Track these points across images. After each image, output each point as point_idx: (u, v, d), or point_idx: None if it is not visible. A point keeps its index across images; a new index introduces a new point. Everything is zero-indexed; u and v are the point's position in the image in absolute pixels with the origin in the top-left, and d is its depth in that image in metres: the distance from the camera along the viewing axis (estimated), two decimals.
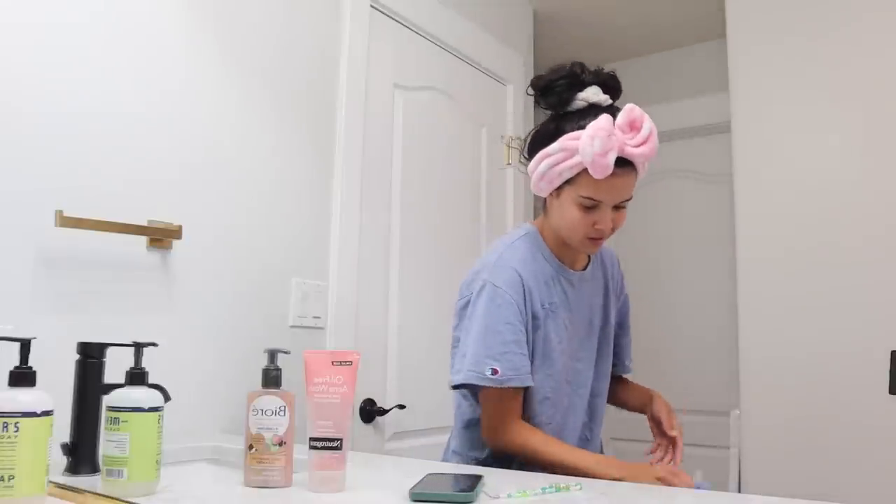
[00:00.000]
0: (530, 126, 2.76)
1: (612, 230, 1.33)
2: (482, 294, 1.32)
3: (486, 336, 1.29)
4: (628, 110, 1.27)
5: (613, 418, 3.16)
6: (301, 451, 1.02)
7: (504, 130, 2.57)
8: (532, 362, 1.32)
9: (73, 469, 1.06)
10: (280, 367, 1.06)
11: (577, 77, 1.32)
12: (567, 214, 1.31)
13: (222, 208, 1.61)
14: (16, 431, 0.82)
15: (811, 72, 2.12)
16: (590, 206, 1.29)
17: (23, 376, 0.88)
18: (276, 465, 1.00)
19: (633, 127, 1.27)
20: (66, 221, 1.28)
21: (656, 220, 3.17)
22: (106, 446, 0.93)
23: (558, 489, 1.02)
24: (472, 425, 1.40)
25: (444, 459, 1.48)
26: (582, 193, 1.28)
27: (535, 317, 1.33)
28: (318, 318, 1.81)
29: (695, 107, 3.01)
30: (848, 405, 1.94)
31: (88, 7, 1.39)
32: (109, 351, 1.11)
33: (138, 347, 1.01)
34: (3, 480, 0.81)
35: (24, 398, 0.85)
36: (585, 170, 1.24)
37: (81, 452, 1.07)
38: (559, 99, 1.32)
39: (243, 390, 1.06)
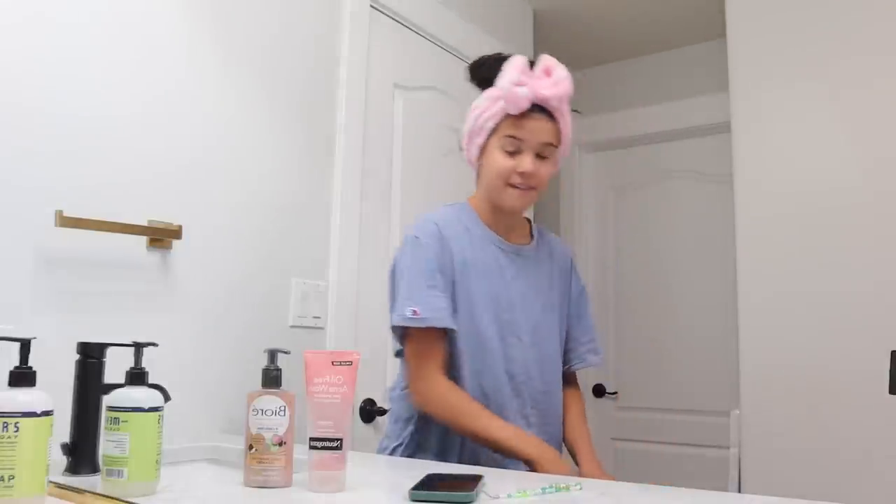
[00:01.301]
0: None
1: (537, 184, 1.39)
2: (403, 248, 1.42)
3: (408, 282, 1.36)
4: (543, 59, 1.39)
5: (611, 417, 3.18)
6: (301, 451, 1.02)
7: None
8: (455, 313, 1.36)
9: (73, 469, 1.06)
10: (280, 367, 1.06)
11: (503, 56, 1.42)
12: (492, 162, 1.39)
13: (222, 208, 1.61)
14: (16, 431, 0.82)
15: (811, 72, 2.12)
16: (512, 151, 1.37)
17: (23, 376, 0.88)
18: (276, 465, 1.00)
19: (547, 73, 1.37)
20: (66, 221, 1.28)
21: (656, 220, 3.17)
22: (106, 446, 0.93)
23: (558, 489, 1.02)
24: (402, 398, 1.43)
25: (379, 446, 1.49)
26: (504, 134, 1.37)
27: (455, 268, 1.38)
28: (318, 318, 1.81)
29: (695, 107, 3.01)
30: (848, 405, 1.94)
31: (88, 7, 1.39)
32: (109, 351, 1.11)
33: (138, 347, 1.01)
34: (3, 480, 0.81)
35: (24, 398, 0.85)
36: (506, 115, 1.36)
37: (81, 452, 1.07)
38: (488, 72, 1.41)
39: (243, 390, 1.06)
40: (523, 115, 1.36)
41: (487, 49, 2.50)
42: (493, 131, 1.39)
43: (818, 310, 2.03)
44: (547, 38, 2.93)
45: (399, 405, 1.45)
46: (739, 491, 2.06)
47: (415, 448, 1.40)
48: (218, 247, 1.59)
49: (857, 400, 1.93)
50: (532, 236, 1.52)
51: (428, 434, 1.39)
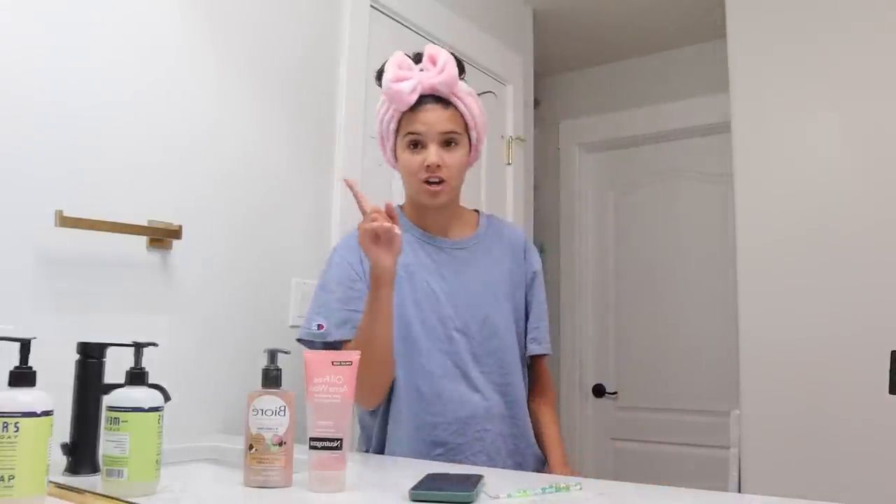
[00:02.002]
0: (530, 126, 2.78)
1: (449, 176, 1.38)
2: (327, 262, 1.45)
3: (318, 295, 1.40)
4: (426, 48, 1.41)
5: (611, 417, 3.18)
6: (301, 451, 1.02)
7: (504, 130, 2.57)
8: None
9: (73, 469, 1.06)
10: (280, 367, 1.06)
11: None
12: (402, 163, 1.41)
13: (222, 208, 1.61)
14: (16, 431, 0.82)
15: (811, 72, 2.12)
16: (415, 144, 1.38)
17: (23, 376, 0.88)
18: (276, 465, 1.00)
19: (433, 61, 1.39)
20: (66, 221, 1.28)
21: (656, 220, 3.17)
22: (106, 446, 0.93)
23: (558, 489, 1.02)
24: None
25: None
26: (404, 131, 1.39)
27: None
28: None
29: (695, 107, 3.01)
30: (848, 405, 1.94)
31: (89, 7, 1.39)
32: (109, 351, 1.11)
33: (138, 347, 1.01)
34: (3, 480, 0.81)
35: (24, 398, 0.85)
36: (403, 114, 1.38)
37: (81, 452, 1.07)
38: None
39: (243, 390, 1.06)
40: (417, 109, 1.37)
41: (487, 49, 2.51)
42: (397, 132, 1.41)
43: (818, 310, 2.03)
44: (547, 38, 2.93)
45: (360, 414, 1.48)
46: (739, 491, 2.06)
47: (384, 447, 1.40)
48: (218, 247, 1.59)
49: (857, 400, 1.93)
50: (478, 227, 1.51)
51: (391, 432, 1.39)
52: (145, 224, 1.44)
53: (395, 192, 2.08)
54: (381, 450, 1.40)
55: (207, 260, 1.56)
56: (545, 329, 1.54)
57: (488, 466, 1.29)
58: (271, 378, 1.04)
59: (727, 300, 2.56)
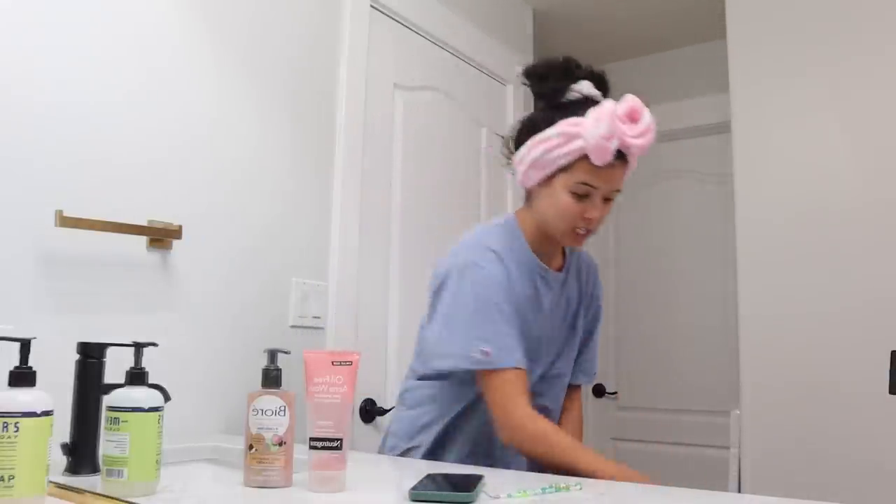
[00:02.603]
0: None
1: (596, 227, 1.34)
2: (465, 274, 1.30)
3: (473, 316, 1.27)
4: (629, 100, 1.28)
5: (612, 417, 3.18)
6: (301, 451, 1.02)
7: (504, 130, 2.57)
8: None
9: (73, 469, 1.06)
10: (280, 367, 1.06)
11: (570, 69, 1.34)
12: (558, 202, 1.31)
13: (222, 208, 1.61)
14: (16, 431, 0.82)
15: (811, 72, 2.12)
16: (582, 195, 1.29)
17: (23, 376, 0.88)
18: (276, 465, 1.00)
19: (633, 118, 1.28)
20: (66, 221, 1.28)
21: (656, 220, 3.17)
22: (106, 446, 0.93)
23: (558, 489, 1.02)
24: (422, 403, 1.40)
25: (383, 445, 1.48)
26: (578, 179, 1.28)
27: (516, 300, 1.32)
28: (318, 318, 1.81)
29: (695, 107, 3.01)
30: (848, 405, 1.94)
31: (89, 8, 1.39)
32: (109, 351, 1.11)
33: (138, 347, 1.01)
34: (3, 480, 0.81)
35: (24, 398, 0.85)
36: (582, 156, 1.26)
37: (81, 452, 1.07)
38: (554, 87, 1.33)
39: (243, 390, 1.06)
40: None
41: (487, 49, 2.51)
42: (564, 169, 1.29)
43: (818, 310, 2.03)
44: (547, 38, 2.93)
45: (418, 409, 1.41)
46: (739, 491, 2.06)
47: (437, 453, 1.37)
48: (218, 247, 1.59)
49: (857, 400, 1.93)
50: (564, 256, 1.46)
51: (455, 440, 1.37)
52: (145, 224, 1.44)
53: (394, 191, 2.09)
54: (433, 450, 1.37)
55: (207, 260, 1.56)
56: (595, 361, 1.55)
57: None
58: (271, 378, 1.04)
59: (727, 300, 2.56)
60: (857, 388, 1.93)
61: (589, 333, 1.54)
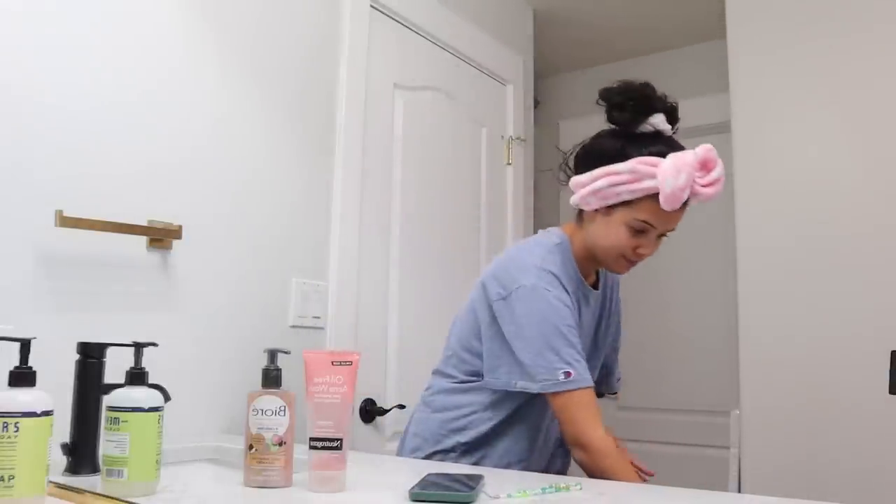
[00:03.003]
0: (530, 126, 2.78)
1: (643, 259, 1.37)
2: (535, 297, 1.30)
3: (552, 340, 1.27)
4: (706, 150, 1.30)
5: (612, 418, 3.18)
6: (301, 451, 1.02)
7: (504, 130, 2.57)
8: None
9: (73, 469, 1.06)
10: (280, 367, 1.06)
11: (649, 100, 1.33)
12: (614, 234, 1.32)
13: (222, 208, 1.61)
14: (16, 431, 0.82)
15: (811, 72, 2.12)
16: (639, 230, 1.31)
17: (23, 376, 0.88)
18: (276, 465, 1.00)
19: (706, 167, 1.29)
20: (66, 221, 1.28)
21: None
22: (106, 446, 0.93)
23: (558, 489, 1.02)
24: (458, 407, 1.40)
25: (403, 447, 1.48)
26: (639, 217, 1.30)
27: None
28: (318, 318, 1.81)
29: (695, 107, 2.99)
30: (848, 405, 1.94)
31: (89, 8, 1.39)
32: (109, 351, 1.11)
33: (138, 347, 1.01)
34: (3, 480, 0.81)
35: (24, 398, 0.85)
36: (648, 196, 1.27)
37: (81, 452, 1.07)
38: (630, 117, 1.32)
39: (243, 390, 1.06)
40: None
41: (487, 49, 2.51)
42: (627, 203, 1.30)
43: (818, 309, 2.03)
44: (547, 38, 2.93)
45: (447, 412, 1.41)
46: (739, 491, 2.06)
47: (474, 455, 1.38)
48: (218, 247, 1.59)
49: (857, 400, 1.93)
50: (597, 274, 1.48)
51: (492, 448, 1.38)
52: (145, 224, 1.44)
53: (394, 191, 2.09)
54: (475, 446, 1.38)
55: (207, 260, 1.56)
56: (616, 372, 1.61)
57: None
58: (271, 378, 1.04)
59: (727, 301, 2.56)
60: (857, 388, 1.93)
61: (615, 349, 1.58)
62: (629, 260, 1.35)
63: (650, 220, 1.30)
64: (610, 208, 1.32)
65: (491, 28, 2.54)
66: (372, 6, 2.03)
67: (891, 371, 1.87)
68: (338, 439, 0.99)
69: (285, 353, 1.08)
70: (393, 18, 2.12)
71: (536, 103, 2.93)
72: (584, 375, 1.28)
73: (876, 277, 1.95)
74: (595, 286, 1.46)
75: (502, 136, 2.56)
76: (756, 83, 2.21)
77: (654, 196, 1.27)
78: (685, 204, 1.30)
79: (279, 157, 1.75)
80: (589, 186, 1.32)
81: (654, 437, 3.01)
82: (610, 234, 1.33)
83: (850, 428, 1.93)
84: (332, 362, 1.02)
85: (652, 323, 3.10)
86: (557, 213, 3.33)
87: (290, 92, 1.79)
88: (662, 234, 1.35)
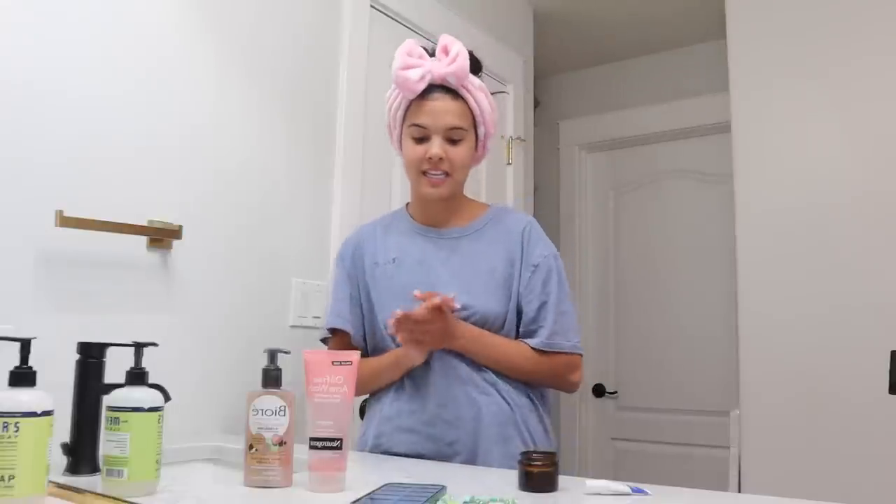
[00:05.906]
0: (530, 126, 2.78)
1: (451, 170, 1.37)
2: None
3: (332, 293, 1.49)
4: (440, 38, 1.38)
5: (611, 417, 3.18)
6: (301, 451, 1.02)
7: (504, 130, 2.57)
8: (373, 306, 1.42)
9: (73, 469, 1.06)
10: (280, 367, 1.06)
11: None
12: (405, 153, 1.40)
13: (222, 208, 1.61)
14: (16, 431, 0.82)
15: (811, 72, 2.13)
16: (420, 137, 1.36)
17: (23, 376, 0.88)
18: (276, 465, 1.00)
19: (445, 52, 1.36)
20: (66, 221, 1.28)
21: (656, 220, 3.17)
22: (106, 446, 0.93)
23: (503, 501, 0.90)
24: None
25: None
26: (409, 122, 1.38)
27: (366, 274, 1.45)
28: (318, 318, 1.81)
29: (695, 107, 3.01)
30: (848, 405, 1.95)
31: (89, 8, 1.39)
32: (109, 351, 1.11)
33: (138, 347, 1.01)
34: (3, 480, 0.81)
35: (24, 398, 0.85)
36: (411, 103, 1.37)
37: (81, 452, 1.07)
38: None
39: (243, 390, 1.06)
40: (425, 99, 1.35)
41: (487, 49, 2.51)
42: (403, 121, 1.40)
43: (818, 310, 2.03)
44: (547, 38, 2.93)
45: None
46: (739, 491, 2.06)
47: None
48: (218, 247, 1.59)
49: (857, 400, 1.93)
50: (476, 218, 1.46)
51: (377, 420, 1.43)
52: (145, 224, 1.44)
53: (394, 191, 2.08)
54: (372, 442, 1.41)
55: (207, 260, 1.56)
56: (546, 322, 1.38)
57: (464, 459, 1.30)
58: (271, 378, 1.04)
59: (727, 300, 2.56)
60: (856, 387, 1.93)
61: (532, 289, 1.40)
62: (427, 174, 1.37)
63: (417, 119, 1.36)
64: (401, 139, 1.42)
65: (491, 28, 2.54)
66: (372, 6, 2.03)
67: (891, 371, 1.87)
68: (338, 439, 0.99)
69: (285, 353, 1.08)
70: (393, 18, 2.12)
71: (536, 103, 2.93)
72: (329, 320, 1.44)
73: (876, 277, 1.95)
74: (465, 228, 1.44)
75: (502, 136, 2.56)
76: (756, 83, 2.21)
77: (415, 100, 1.36)
78: (455, 96, 1.35)
79: (279, 156, 1.75)
80: (387, 129, 1.45)
81: (654, 437, 3.01)
82: (405, 155, 1.40)
83: (850, 428, 1.93)
84: (332, 362, 1.02)
85: (652, 323, 3.10)
86: (557, 212, 3.34)
87: (290, 92, 1.79)
88: (453, 141, 1.36)
